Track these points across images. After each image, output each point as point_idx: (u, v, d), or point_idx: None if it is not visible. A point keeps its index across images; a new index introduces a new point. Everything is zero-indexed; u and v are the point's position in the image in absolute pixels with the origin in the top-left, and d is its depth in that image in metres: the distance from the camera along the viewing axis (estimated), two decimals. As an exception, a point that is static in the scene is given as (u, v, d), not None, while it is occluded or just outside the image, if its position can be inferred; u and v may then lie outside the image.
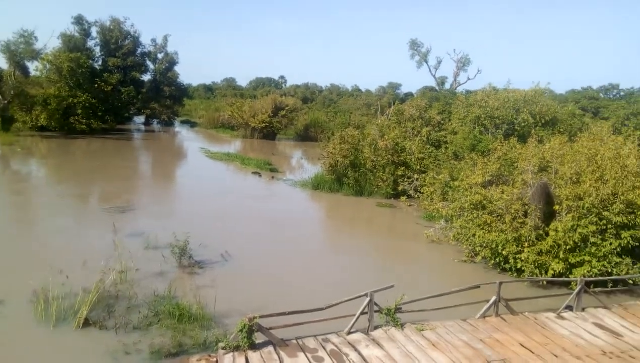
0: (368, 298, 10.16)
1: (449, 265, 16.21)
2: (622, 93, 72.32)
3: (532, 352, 9.80)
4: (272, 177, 30.81)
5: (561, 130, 26.67)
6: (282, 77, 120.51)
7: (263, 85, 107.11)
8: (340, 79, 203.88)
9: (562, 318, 11.71)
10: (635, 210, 14.25)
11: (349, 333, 10.01)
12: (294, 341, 9.46)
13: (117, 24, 55.25)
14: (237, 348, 8.91)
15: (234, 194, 24.83)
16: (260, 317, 9.02)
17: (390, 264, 16.01)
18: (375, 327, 10.35)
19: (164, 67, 59.38)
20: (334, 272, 14.69)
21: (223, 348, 8.90)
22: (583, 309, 12.26)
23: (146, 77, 60.05)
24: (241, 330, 8.86)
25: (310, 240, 18.09)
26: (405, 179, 24.84)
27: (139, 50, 58.22)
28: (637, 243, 14.31)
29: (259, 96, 69.39)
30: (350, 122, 44.27)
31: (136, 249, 14.35)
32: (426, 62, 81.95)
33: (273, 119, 52.83)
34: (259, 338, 9.26)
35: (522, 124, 27.16)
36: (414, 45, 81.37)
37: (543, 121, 27.73)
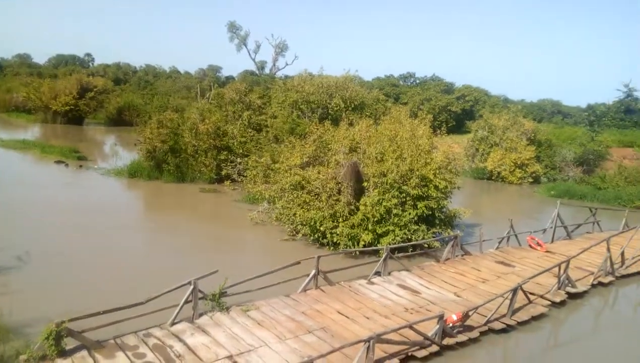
0: (191, 287, 9.96)
1: (273, 245, 16.74)
2: (417, 81, 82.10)
3: (348, 317, 10.74)
4: (81, 166, 27.94)
5: (368, 114, 29.29)
6: (88, 54, 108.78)
7: (66, 64, 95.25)
8: (156, 59, 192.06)
9: (373, 283, 13.02)
10: (427, 184, 16.42)
11: (173, 324, 9.72)
12: (112, 341, 8.83)
13: None
14: (43, 358, 7.98)
15: (32, 187, 21.86)
16: (71, 320, 8.19)
17: (216, 249, 15.90)
18: (201, 314, 10.23)
19: None
20: (156, 263, 14.04)
21: (26, 360, 7.88)
22: (389, 273, 13.77)
23: None
24: (47, 338, 7.93)
25: (128, 233, 16.94)
26: (228, 163, 24.81)
27: None
28: (430, 212, 16.57)
29: (61, 76, 61.60)
30: (169, 105, 42.30)
31: None
32: (245, 46, 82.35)
33: (79, 102, 47.66)
34: (71, 343, 8.44)
35: (335, 108, 29.13)
36: (233, 28, 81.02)
37: (353, 106, 30.11)
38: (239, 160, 24.33)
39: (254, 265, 13.53)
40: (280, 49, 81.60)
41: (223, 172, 24.75)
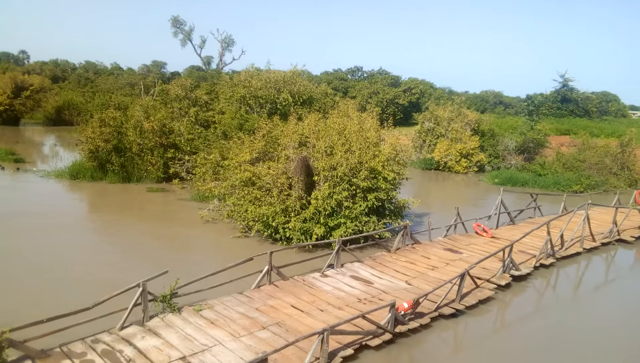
0: (140, 289, 9.69)
1: (225, 242, 16.52)
2: (365, 75, 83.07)
3: (302, 311, 10.76)
4: (18, 169, 26.56)
5: (317, 108, 29.40)
6: (23, 52, 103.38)
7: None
8: (96, 56, 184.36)
9: (326, 276, 13.11)
10: (376, 176, 16.66)
11: (123, 328, 9.43)
12: (58, 349, 8.47)
13: None
14: (-18, 372, 7.56)
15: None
16: (12, 330, 7.79)
17: (166, 250, 15.53)
18: (152, 317, 9.97)
19: None
20: (103, 266, 13.54)
21: (-38, 377, 7.44)
22: (342, 265, 13.91)
23: None
24: (-14, 351, 7.52)
25: (71, 235, 16.24)
26: (176, 161, 24.23)
27: None
28: (380, 203, 16.85)
29: (-7, 74, 58.34)
30: (112, 103, 40.78)
31: None
32: (190, 41, 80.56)
33: (15, 101, 45.24)
34: (13, 354, 8.03)
35: (284, 103, 29.03)
36: (177, 22, 79.02)
37: (301, 100, 30.11)
38: (187, 157, 23.82)
39: (206, 264, 13.32)
40: (227, 43, 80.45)
41: (171, 171, 24.15)
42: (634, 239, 18.98)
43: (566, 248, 16.68)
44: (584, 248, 17.10)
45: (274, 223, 15.73)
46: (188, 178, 22.54)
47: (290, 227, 15.57)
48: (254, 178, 16.73)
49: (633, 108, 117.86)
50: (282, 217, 15.77)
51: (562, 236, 16.57)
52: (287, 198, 16.09)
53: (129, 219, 19.06)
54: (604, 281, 15.98)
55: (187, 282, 10.61)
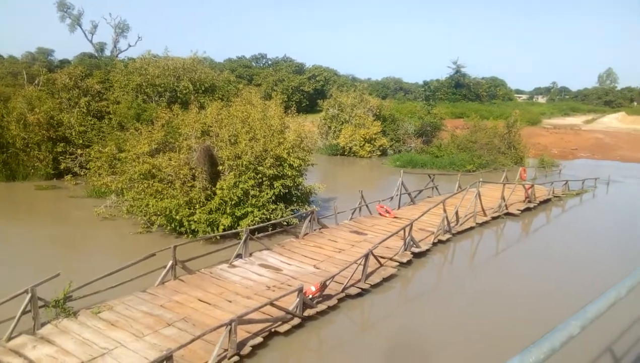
0: (29, 294, 8.92)
1: (126, 239, 15.71)
2: (269, 62, 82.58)
3: (210, 304, 10.54)
4: None
5: (219, 96, 28.70)
6: None
7: None
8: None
9: (234, 266, 12.93)
10: (282, 163, 16.67)
11: (10, 339, 8.64)
12: None
13: None
14: None
15: None
16: None
17: (61, 251, 14.46)
18: (44, 324, 9.24)
19: None
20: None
21: None
22: (251, 254, 13.79)
23: None
24: None
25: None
26: (67, 156, 22.50)
27: None
28: (286, 190, 16.90)
29: None
30: (-11, 94, 36.86)
31: None
32: (80, 26, 74.80)
33: None
34: None
35: (184, 91, 28.00)
36: (63, 6, 72.92)
37: (203, 88, 29.23)
38: (79, 151, 22.17)
39: (106, 264, 12.49)
40: (121, 29, 75.70)
41: (62, 166, 22.41)
42: (519, 212, 20.76)
43: (461, 224, 17.85)
44: (477, 223, 18.41)
45: (177, 217, 15.20)
46: (82, 173, 21.05)
47: (196, 219, 15.15)
48: (154, 170, 15.99)
49: (518, 92, 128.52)
50: (187, 209, 15.27)
51: (457, 213, 17.70)
52: (190, 190, 15.60)
53: (15, 221, 17.45)
54: (495, 252, 17.35)
55: (83, 284, 9.95)
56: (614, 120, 73.69)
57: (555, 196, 23.78)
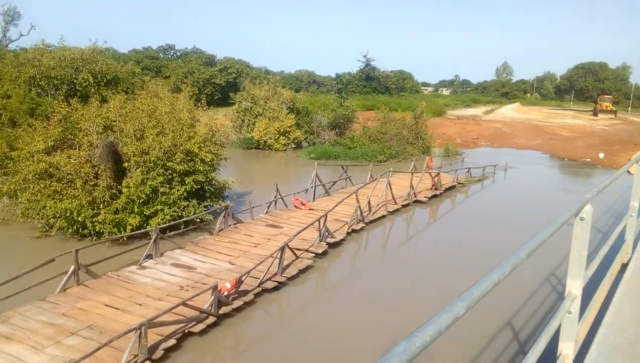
0: None
1: (22, 244, 14.47)
2: (178, 53, 79.64)
3: (118, 309, 9.99)
4: None
5: (123, 89, 27.17)
6: None
7: None
8: None
9: (144, 268, 12.35)
10: (193, 158, 16.16)
11: None
12: None
13: None
14: None
15: None
16: None
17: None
18: None
19: None
20: None
21: None
22: (162, 254, 13.24)
23: None
24: None
25: None
26: (-53, 156, 20.20)
27: None
28: (199, 186, 16.42)
29: None
30: None
31: None
32: (-40, 12, 67.37)
33: None
34: None
35: (84, 84, 26.17)
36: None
37: (105, 80, 27.53)
38: (-37, 151, 20.01)
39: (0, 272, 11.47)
40: (11, 16, 69.21)
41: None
42: (427, 199, 21.78)
43: (373, 213, 18.38)
44: (388, 211, 19.06)
45: (80, 218, 14.24)
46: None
47: (100, 220, 14.29)
48: (51, 169, 14.80)
49: (424, 84, 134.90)
50: (90, 210, 14.35)
51: (369, 202, 18.20)
52: (94, 189, 14.67)
53: None
54: (406, 238, 18.10)
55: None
56: (510, 111, 79.54)
57: (459, 183, 25.22)
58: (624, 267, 4.68)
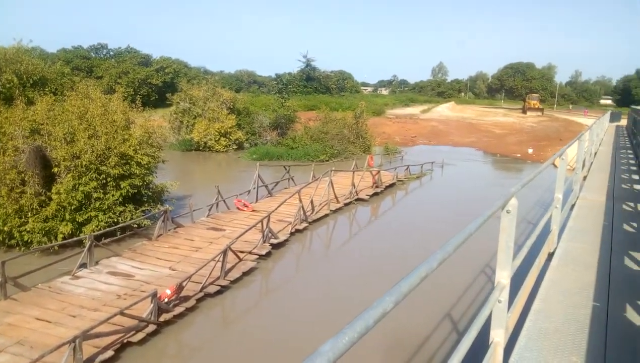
0: None
1: (-61, 259, 13.39)
2: (112, 52, 76.48)
3: (50, 322, 9.48)
4: None
5: (52, 90, 25.79)
6: None
7: None
8: None
9: (78, 277, 11.78)
10: (129, 161, 15.59)
11: None
12: None
13: None
14: None
15: None
16: None
17: None
18: None
19: None
20: None
21: None
22: (97, 262, 12.68)
23: None
24: None
25: None
26: None
27: None
28: (135, 191, 15.86)
29: None
30: None
31: None
32: None
33: None
34: None
35: (7, 85, 24.60)
36: None
37: (31, 81, 26.03)
38: None
39: None
40: None
41: None
42: (369, 197, 22.17)
43: (316, 212, 18.48)
44: (331, 210, 19.23)
45: (6, 228, 13.40)
46: None
47: (29, 229, 13.49)
48: (-28, 176, 13.84)
49: (364, 84, 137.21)
50: (17, 218, 13.53)
51: (312, 201, 18.28)
52: (20, 197, 13.83)
53: None
54: (349, 236, 18.33)
55: None
56: (445, 110, 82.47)
57: (399, 180, 25.85)
58: (551, 256, 4.95)
